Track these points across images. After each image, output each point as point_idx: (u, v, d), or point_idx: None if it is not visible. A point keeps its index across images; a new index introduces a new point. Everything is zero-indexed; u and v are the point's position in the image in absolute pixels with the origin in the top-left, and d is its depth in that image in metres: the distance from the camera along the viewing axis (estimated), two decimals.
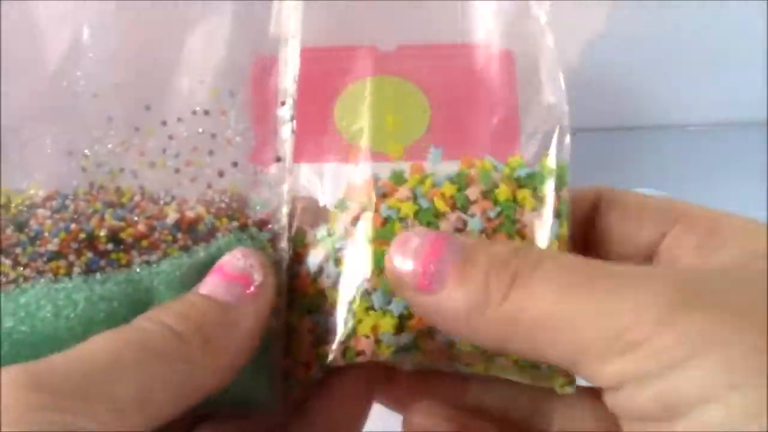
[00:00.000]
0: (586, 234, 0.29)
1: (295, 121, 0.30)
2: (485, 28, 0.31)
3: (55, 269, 0.27)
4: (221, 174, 0.30)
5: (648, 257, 0.28)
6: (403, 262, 0.25)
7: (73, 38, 0.30)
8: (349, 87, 0.30)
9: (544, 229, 0.28)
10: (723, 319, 0.21)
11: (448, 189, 0.29)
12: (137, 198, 0.29)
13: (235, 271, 0.26)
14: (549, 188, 0.28)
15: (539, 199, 0.28)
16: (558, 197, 0.28)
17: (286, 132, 0.30)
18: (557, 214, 0.28)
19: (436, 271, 0.24)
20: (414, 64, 0.31)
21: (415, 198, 0.29)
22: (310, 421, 0.29)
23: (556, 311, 0.22)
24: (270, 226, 0.30)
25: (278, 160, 0.30)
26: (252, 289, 0.26)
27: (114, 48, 0.30)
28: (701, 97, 0.70)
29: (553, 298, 0.22)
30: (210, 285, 0.26)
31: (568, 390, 0.27)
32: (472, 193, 0.28)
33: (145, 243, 0.28)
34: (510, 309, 0.23)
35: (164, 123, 0.30)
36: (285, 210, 0.30)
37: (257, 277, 0.26)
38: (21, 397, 0.20)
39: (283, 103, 0.30)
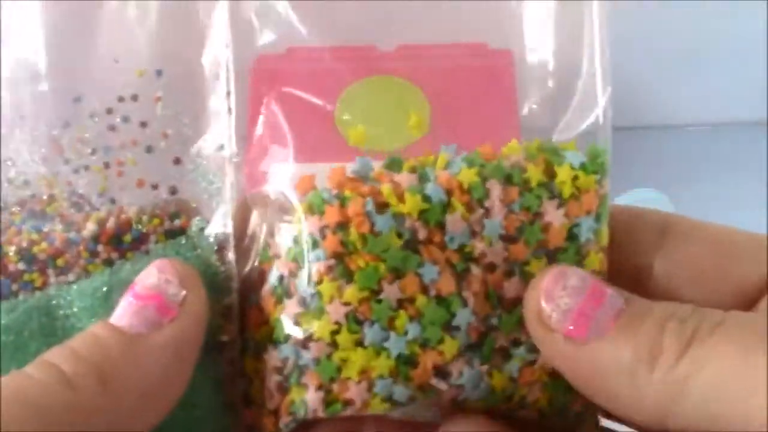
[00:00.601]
0: (641, 267, 0.25)
1: (232, 97, 0.26)
2: (485, 28, 0.31)
3: None
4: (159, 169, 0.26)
5: (751, 297, 0.24)
6: (555, 299, 0.21)
7: None
8: (349, 87, 0.30)
9: (578, 232, 0.24)
10: None
11: (467, 175, 0.23)
12: (64, 205, 0.25)
13: (147, 291, 0.22)
14: (591, 180, 0.24)
15: (576, 191, 0.24)
16: (600, 193, 0.24)
17: (223, 109, 0.25)
18: (597, 216, 0.24)
19: (596, 317, 0.21)
20: (414, 64, 0.31)
21: (422, 183, 0.23)
22: None
23: (743, 375, 0.19)
24: (213, 230, 0.25)
25: (220, 148, 0.25)
26: (169, 310, 0.22)
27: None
28: (701, 97, 0.70)
29: (741, 361, 0.19)
30: (119, 311, 0.22)
31: None
32: (493, 185, 0.23)
33: (60, 261, 0.24)
34: (685, 369, 0.20)
35: (92, 115, 0.26)
36: (228, 210, 0.25)
37: (174, 295, 0.22)
38: None
39: (217, 75, 0.26)
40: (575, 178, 0.24)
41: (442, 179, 0.23)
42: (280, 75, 0.29)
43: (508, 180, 0.24)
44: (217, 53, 0.26)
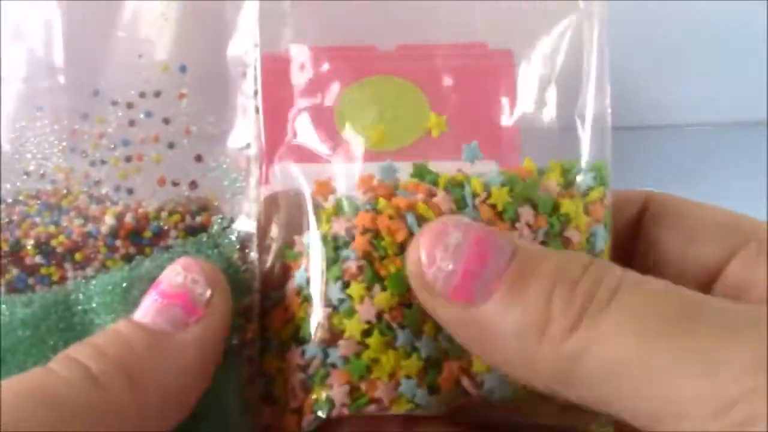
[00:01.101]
0: (628, 244, 0.25)
1: (260, 96, 0.25)
2: (485, 28, 0.31)
3: None
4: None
5: (708, 280, 0.24)
6: (436, 262, 0.20)
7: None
8: (349, 87, 0.30)
9: (593, 241, 0.24)
10: None
11: (499, 195, 0.23)
12: (82, 199, 0.24)
13: (173, 290, 0.22)
14: (600, 193, 0.25)
15: (589, 206, 0.25)
16: (605, 203, 0.25)
17: (250, 108, 0.25)
18: (605, 225, 0.25)
19: (482, 276, 0.19)
20: (414, 64, 0.31)
21: (460, 204, 0.23)
22: None
23: (638, 359, 0.18)
24: (236, 228, 0.25)
25: (246, 147, 0.25)
26: (195, 310, 0.21)
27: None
28: (701, 97, 0.70)
29: (636, 343, 0.18)
30: (143, 309, 0.22)
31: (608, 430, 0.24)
32: (525, 210, 0.23)
33: (78, 255, 0.23)
34: (577, 346, 0.18)
35: (113, 104, 0.26)
36: (252, 208, 0.25)
37: (201, 295, 0.22)
38: None
39: (244, 74, 0.26)
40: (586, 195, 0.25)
41: (483, 211, 0.23)
42: (281, 75, 0.30)
43: (536, 207, 0.24)
44: (243, 51, 0.26)
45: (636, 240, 0.25)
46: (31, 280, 0.23)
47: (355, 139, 0.30)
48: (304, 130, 0.30)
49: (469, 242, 0.20)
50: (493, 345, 0.19)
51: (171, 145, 0.25)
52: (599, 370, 0.18)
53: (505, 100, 0.30)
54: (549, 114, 0.29)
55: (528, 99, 0.30)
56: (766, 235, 0.23)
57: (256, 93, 0.26)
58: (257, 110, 0.26)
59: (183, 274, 0.22)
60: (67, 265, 0.23)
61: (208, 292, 0.22)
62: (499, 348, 0.19)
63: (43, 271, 0.23)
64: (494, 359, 0.20)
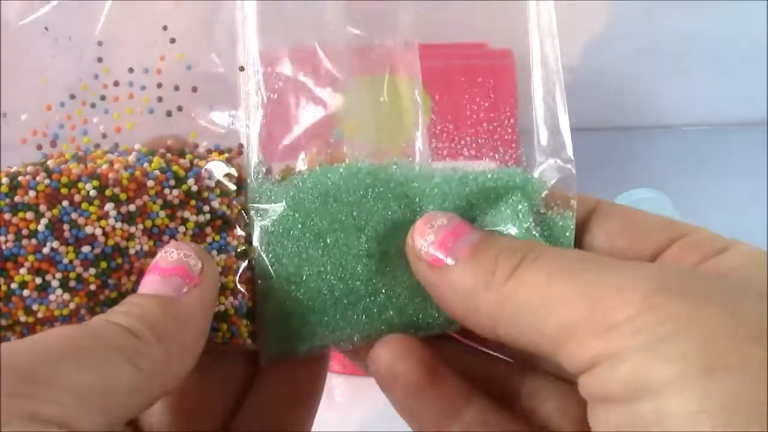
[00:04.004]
0: (577, 242, 0.29)
1: (261, 93, 0.29)
2: (485, 28, 0.31)
3: None
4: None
5: None
6: (424, 235, 0.26)
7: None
8: (350, 87, 0.30)
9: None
10: (706, 305, 0.21)
11: None
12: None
13: (170, 264, 0.26)
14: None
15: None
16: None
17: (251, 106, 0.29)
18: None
19: (452, 248, 0.25)
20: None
21: None
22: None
23: (544, 294, 0.23)
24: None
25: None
26: (192, 277, 0.26)
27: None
28: (701, 97, 0.70)
29: (544, 282, 0.23)
30: (147, 284, 0.26)
31: None
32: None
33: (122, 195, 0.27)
34: (505, 292, 0.24)
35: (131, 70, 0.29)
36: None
37: (195, 266, 0.26)
38: None
39: (241, 68, 0.29)
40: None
41: None
42: (281, 74, 0.30)
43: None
44: (245, 51, 0.29)
45: (583, 237, 0.29)
46: (74, 215, 0.27)
47: (354, 139, 0.30)
48: (303, 130, 0.30)
49: (451, 224, 0.26)
50: (454, 299, 0.25)
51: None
52: (517, 310, 0.24)
53: (505, 100, 0.30)
54: (549, 114, 0.29)
55: (528, 99, 0.30)
56: (701, 235, 0.27)
57: (258, 92, 0.29)
58: (258, 108, 0.29)
59: (176, 251, 0.26)
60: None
61: (200, 263, 0.26)
62: (458, 301, 0.25)
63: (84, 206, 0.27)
64: (455, 312, 0.26)
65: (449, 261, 0.25)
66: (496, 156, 0.30)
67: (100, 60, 0.30)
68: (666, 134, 0.72)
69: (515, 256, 0.24)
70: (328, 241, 0.28)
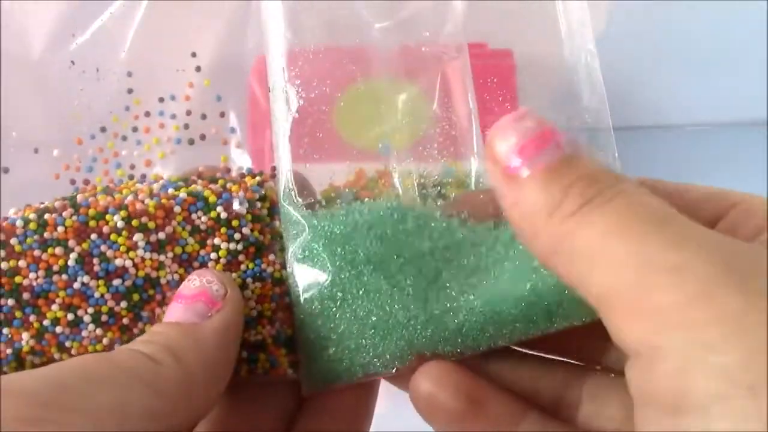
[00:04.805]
0: None
1: (296, 105, 0.29)
2: (485, 28, 0.31)
3: None
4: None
5: None
6: (506, 135, 0.24)
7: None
8: (350, 87, 0.30)
9: None
10: (760, 305, 0.19)
11: None
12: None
13: (193, 291, 0.26)
14: None
15: None
16: None
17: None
18: None
19: (531, 158, 0.23)
20: (414, 64, 0.31)
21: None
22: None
23: (598, 246, 0.22)
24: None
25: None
26: (215, 303, 0.26)
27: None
28: (701, 97, 0.70)
29: (603, 233, 0.22)
30: (170, 313, 0.26)
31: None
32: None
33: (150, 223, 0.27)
34: (566, 228, 0.22)
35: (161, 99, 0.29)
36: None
37: (218, 291, 0.26)
38: (10, 409, 0.20)
39: (269, 89, 0.29)
40: None
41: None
42: (311, 86, 0.29)
43: None
44: (270, 69, 0.29)
45: None
46: (103, 247, 0.27)
47: (354, 140, 0.30)
48: (303, 132, 0.30)
49: (539, 129, 0.24)
50: (519, 213, 0.23)
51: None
52: (575, 250, 0.22)
53: (505, 100, 0.30)
54: (549, 114, 0.29)
55: (528, 99, 0.30)
56: (756, 201, 0.26)
57: (269, 90, 0.29)
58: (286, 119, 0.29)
59: (198, 279, 0.26)
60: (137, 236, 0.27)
61: (223, 289, 0.26)
62: (522, 217, 0.23)
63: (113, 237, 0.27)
64: (516, 223, 0.24)
65: (524, 172, 0.23)
66: None
67: (130, 91, 0.30)
68: (666, 134, 0.72)
69: (590, 189, 0.22)
70: (364, 269, 0.27)
